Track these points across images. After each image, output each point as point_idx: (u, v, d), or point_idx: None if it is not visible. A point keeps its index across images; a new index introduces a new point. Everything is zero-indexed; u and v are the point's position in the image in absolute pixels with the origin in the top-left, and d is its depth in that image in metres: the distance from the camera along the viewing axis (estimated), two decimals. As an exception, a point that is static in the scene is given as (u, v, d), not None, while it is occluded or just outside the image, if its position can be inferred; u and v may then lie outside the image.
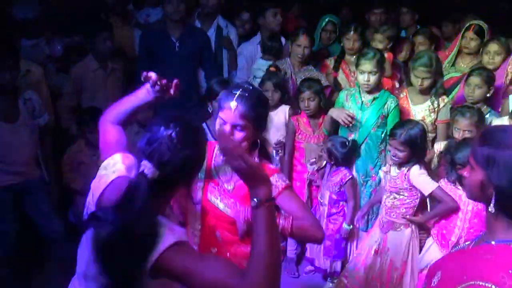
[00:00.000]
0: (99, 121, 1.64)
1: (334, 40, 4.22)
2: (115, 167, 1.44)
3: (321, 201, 3.30)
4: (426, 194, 2.73)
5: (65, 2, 4.09)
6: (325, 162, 3.31)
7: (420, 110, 3.25)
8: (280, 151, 3.37)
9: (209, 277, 1.22)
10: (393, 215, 2.87)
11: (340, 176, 3.18)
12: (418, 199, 2.81)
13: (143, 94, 1.67)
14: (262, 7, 4.12)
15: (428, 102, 3.24)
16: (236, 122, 1.77)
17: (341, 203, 3.24)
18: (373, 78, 3.09)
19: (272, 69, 3.54)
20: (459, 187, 2.62)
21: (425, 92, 3.24)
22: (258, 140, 1.87)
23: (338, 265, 3.32)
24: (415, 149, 2.74)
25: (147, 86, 1.66)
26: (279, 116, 3.43)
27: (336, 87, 3.79)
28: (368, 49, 3.30)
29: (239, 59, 4.14)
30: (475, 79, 3.15)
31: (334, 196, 3.22)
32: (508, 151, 1.26)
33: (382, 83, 3.30)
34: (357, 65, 3.17)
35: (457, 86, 3.49)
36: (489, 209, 1.31)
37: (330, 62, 3.91)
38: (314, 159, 3.36)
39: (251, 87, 1.83)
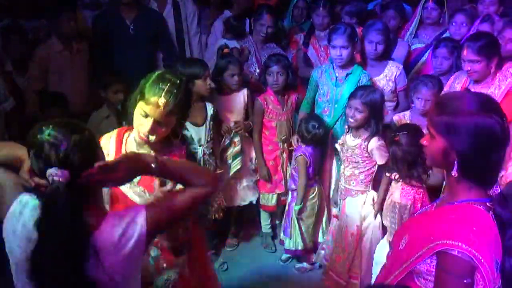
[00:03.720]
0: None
1: (306, 17, 4.18)
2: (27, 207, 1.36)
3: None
4: (379, 163, 2.85)
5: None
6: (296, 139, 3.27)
7: (378, 81, 3.26)
8: (227, 136, 3.26)
9: (186, 202, 1.43)
10: (353, 183, 2.94)
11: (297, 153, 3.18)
12: (376, 166, 2.89)
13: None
14: None
15: (386, 72, 3.25)
16: (161, 119, 1.73)
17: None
18: (345, 52, 3.09)
19: (226, 50, 3.44)
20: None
21: (379, 60, 3.24)
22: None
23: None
24: (374, 112, 2.79)
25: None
26: (236, 99, 3.33)
27: (306, 63, 3.78)
28: (339, 24, 3.29)
29: (212, 38, 4.06)
30: (441, 51, 3.18)
31: (293, 172, 3.23)
32: (467, 117, 1.31)
33: (354, 57, 3.28)
34: (329, 40, 3.16)
35: (423, 57, 3.52)
36: (452, 174, 1.35)
37: (300, 38, 3.89)
38: (285, 136, 3.35)
39: (178, 80, 1.77)
